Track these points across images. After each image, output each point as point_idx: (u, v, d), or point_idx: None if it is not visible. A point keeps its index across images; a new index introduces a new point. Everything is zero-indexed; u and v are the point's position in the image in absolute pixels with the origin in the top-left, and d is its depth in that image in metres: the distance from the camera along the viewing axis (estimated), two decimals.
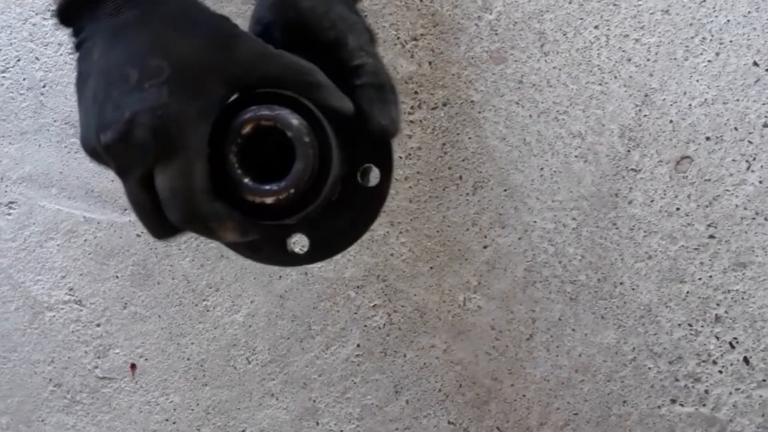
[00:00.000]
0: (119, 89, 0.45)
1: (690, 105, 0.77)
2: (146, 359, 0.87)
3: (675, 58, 0.76)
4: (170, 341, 0.86)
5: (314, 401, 0.85)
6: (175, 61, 0.45)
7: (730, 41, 0.76)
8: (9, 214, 0.87)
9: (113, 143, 0.45)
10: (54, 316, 0.88)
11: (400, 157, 0.81)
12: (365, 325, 0.83)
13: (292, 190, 0.46)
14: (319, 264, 0.83)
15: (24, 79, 0.86)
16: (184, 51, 0.46)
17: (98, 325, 0.87)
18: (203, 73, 0.46)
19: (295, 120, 0.46)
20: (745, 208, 0.77)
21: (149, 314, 0.86)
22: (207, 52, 0.46)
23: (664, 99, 0.77)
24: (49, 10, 0.85)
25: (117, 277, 0.86)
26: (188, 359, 0.86)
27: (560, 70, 0.77)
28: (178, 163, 0.45)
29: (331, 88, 0.49)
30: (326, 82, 0.49)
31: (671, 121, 0.77)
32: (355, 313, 0.83)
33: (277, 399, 0.86)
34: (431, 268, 0.82)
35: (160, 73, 0.45)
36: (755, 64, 0.76)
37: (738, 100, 0.76)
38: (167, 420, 0.88)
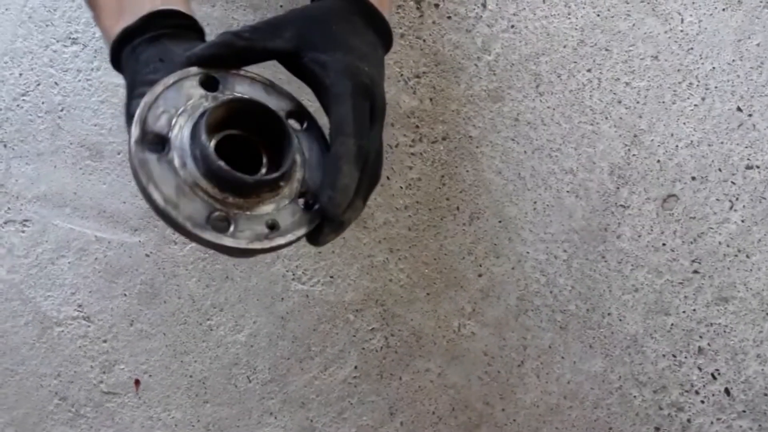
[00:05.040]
0: None
1: (677, 146, 0.81)
2: (150, 375, 0.90)
3: (663, 102, 0.81)
4: (174, 358, 0.90)
5: (311, 421, 0.88)
6: None
7: (716, 87, 0.81)
8: (23, 232, 0.91)
9: None
10: (62, 331, 0.91)
11: (401, 187, 0.85)
12: (363, 348, 0.87)
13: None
14: (320, 287, 0.87)
15: (43, 103, 0.90)
16: None
17: (105, 341, 0.90)
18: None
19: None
20: (728, 246, 0.81)
21: (155, 332, 0.90)
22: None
23: (652, 140, 0.81)
24: (69, 38, 0.89)
25: (125, 295, 0.90)
26: (191, 377, 0.90)
27: (554, 109, 0.82)
28: None
29: None
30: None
31: (659, 161, 0.81)
32: (354, 336, 0.87)
33: (275, 418, 0.89)
34: (428, 294, 0.85)
35: None
36: (739, 109, 0.80)
37: (722, 142, 0.81)
38: None
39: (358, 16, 0.60)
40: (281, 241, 0.53)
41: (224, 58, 0.56)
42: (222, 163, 0.50)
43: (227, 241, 0.51)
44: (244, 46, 0.56)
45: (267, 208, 0.53)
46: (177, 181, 0.50)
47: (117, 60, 0.61)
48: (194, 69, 0.55)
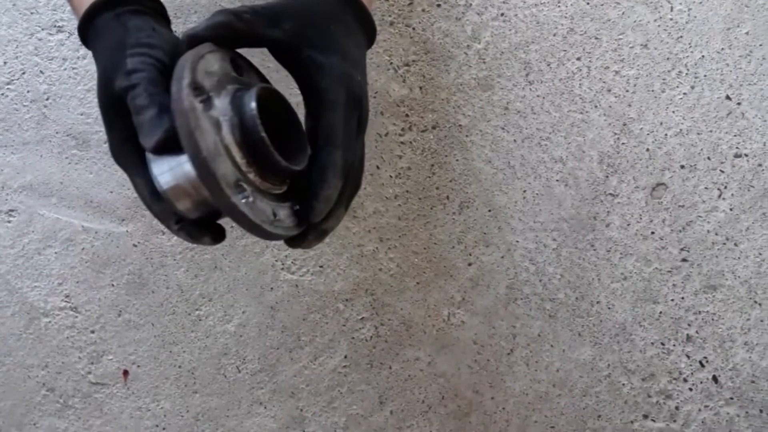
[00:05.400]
0: None
1: (666, 135, 0.81)
2: (139, 366, 0.90)
3: (652, 90, 0.81)
4: (163, 349, 0.89)
5: (301, 410, 0.88)
6: (98, 102, 0.58)
7: (705, 75, 0.81)
8: (9, 222, 0.90)
9: None
10: (49, 321, 0.91)
11: (391, 177, 0.84)
12: (353, 337, 0.87)
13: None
14: (310, 277, 0.86)
15: (28, 92, 0.89)
16: (97, 92, 0.58)
17: (93, 332, 0.90)
18: (104, 109, 0.57)
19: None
20: (716, 234, 0.82)
21: (143, 322, 0.89)
22: (101, 90, 0.57)
23: (641, 128, 0.81)
24: (54, 26, 0.88)
25: (113, 285, 0.89)
26: (180, 367, 0.89)
27: (544, 98, 0.82)
28: (129, 180, 0.58)
29: (140, 127, 0.55)
30: (141, 121, 0.55)
31: (648, 150, 0.81)
32: (344, 326, 0.87)
33: (265, 407, 0.89)
34: (418, 283, 0.85)
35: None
36: (728, 97, 0.81)
37: (711, 131, 0.81)
38: (157, 426, 0.91)
39: (351, 16, 0.60)
40: (281, 231, 0.54)
41: (222, 39, 0.55)
42: (265, 136, 0.51)
43: (247, 210, 0.50)
44: (243, 30, 0.55)
45: (270, 198, 0.54)
46: (215, 138, 0.50)
47: (88, 26, 0.59)
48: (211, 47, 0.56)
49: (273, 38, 0.56)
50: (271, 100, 0.54)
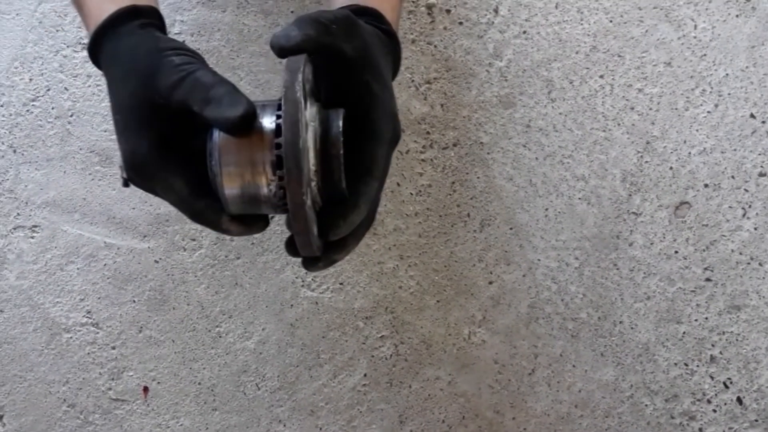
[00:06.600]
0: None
1: (689, 153, 0.81)
2: (159, 382, 0.90)
3: (676, 108, 0.81)
4: (183, 365, 0.89)
5: (321, 429, 0.88)
6: (120, 110, 0.56)
7: (729, 94, 0.80)
8: (32, 238, 0.91)
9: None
10: (71, 337, 0.91)
11: (411, 194, 0.84)
12: (372, 356, 0.86)
13: None
14: (329, 294, 0.86)
15: (53, 108, 0.90)
16: (123, 99, 0.56)
17: (113, 348, 0.90)
18: (136, 113, 0.55)
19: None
20: (741, 253, 0.81)
21: (163, 338, 0.89)
22: (134, 94, 0.55)
23: (664, 146, 0.81)
24: (79, 44, 0.89)
25: (134, 301, 0.89)
26: (199, 384, 0.89)
27: (566, 116, 0.82)
28: (158, 186, 0.56)
29: (216, 102, 0.52)
30: (215, 96, 0.52)
31: (671, 168, 0.81)
32: (363, 344, 0.86)
33: (284, 425, 0.89)
34: (438, 301, 0.85)
35: (118, 125, 0.57)
36: (752, 116, 0.80)
37: (735, 149, 0.80)
38: None
39: (392, 54, 0.60)
40: (315, 246, 0.54)
41: (307, 51, 0.53)
42: (342, 155, 0.52)
43: (308, 213, 0.51)
44: (328, 43, 0.53)
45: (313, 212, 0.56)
46: (304, 137, 0.50)
47: (108, 33, 0.58)
48: None
49: (345, 53, 0.54)
50: (344, 126, 0.54)
